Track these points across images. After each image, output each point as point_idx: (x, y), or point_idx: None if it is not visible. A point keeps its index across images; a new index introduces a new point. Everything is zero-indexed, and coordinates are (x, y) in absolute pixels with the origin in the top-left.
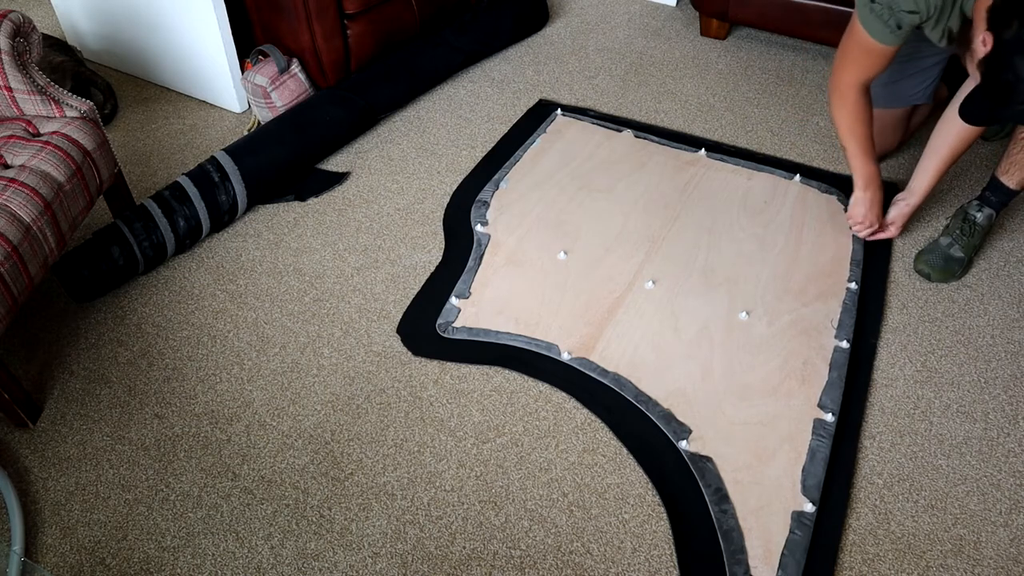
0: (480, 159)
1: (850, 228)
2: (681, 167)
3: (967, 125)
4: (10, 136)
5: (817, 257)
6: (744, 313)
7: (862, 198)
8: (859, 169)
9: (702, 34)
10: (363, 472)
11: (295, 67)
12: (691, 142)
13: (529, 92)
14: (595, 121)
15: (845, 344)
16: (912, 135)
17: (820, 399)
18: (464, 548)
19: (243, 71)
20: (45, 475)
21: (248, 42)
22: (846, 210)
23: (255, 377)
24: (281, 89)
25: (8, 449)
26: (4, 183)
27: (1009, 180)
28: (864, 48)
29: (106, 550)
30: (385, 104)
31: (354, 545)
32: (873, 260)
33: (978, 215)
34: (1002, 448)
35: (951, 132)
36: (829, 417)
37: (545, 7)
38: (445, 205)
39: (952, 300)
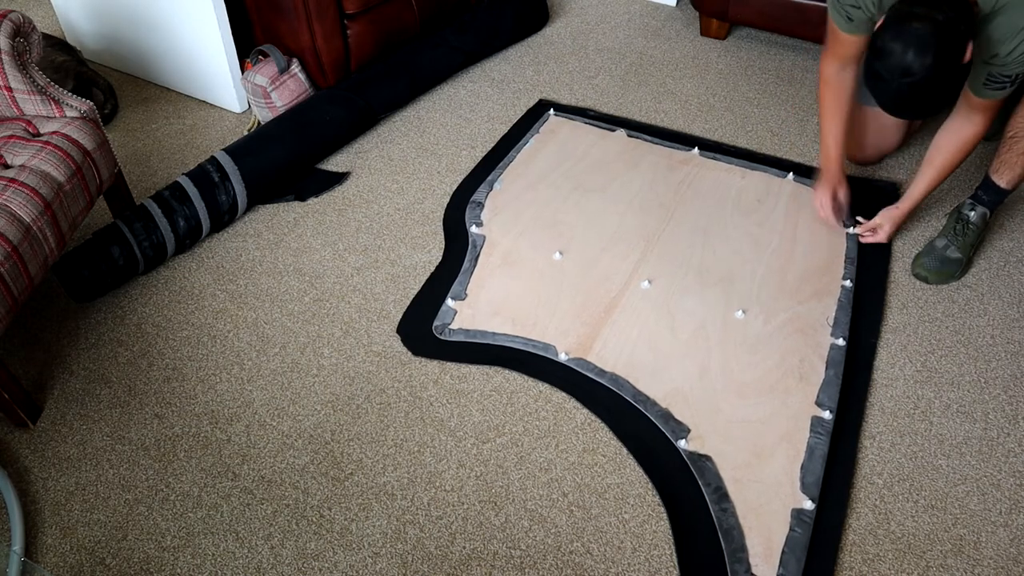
0: (480, 159)
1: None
2: (674, 166)
3: (961, 136)
4: (10, 136)
5: (811, 255)
6: (740, 312)
7: (822, 175)
8: (824, 148)
9: (702, 34)
10: (363, 472)
11: (295, 67)
12: (684, 141)
13: (529, 92)
14: (588, 121)
15: (841, 342)
16: (911, 136)
17: (818, 397)
18: (464, 548)
19: (243, 71)
20: (45, 475)
21: (248, 42)
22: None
23: (255, 377)
24: (281, 89)
25: (8, 449)
26: (4, 183)
27: (1000, 179)
28: (831, 32)
29: (106, 550)
30: (385, 104)
31: (354, 545)
32: (868, 258)
33: (971, 214)
34: (1002, 448)
35: (946, 141)
36: (827, 415)
37: (545, 7)
38: (445, 205)
39: (952, 300)
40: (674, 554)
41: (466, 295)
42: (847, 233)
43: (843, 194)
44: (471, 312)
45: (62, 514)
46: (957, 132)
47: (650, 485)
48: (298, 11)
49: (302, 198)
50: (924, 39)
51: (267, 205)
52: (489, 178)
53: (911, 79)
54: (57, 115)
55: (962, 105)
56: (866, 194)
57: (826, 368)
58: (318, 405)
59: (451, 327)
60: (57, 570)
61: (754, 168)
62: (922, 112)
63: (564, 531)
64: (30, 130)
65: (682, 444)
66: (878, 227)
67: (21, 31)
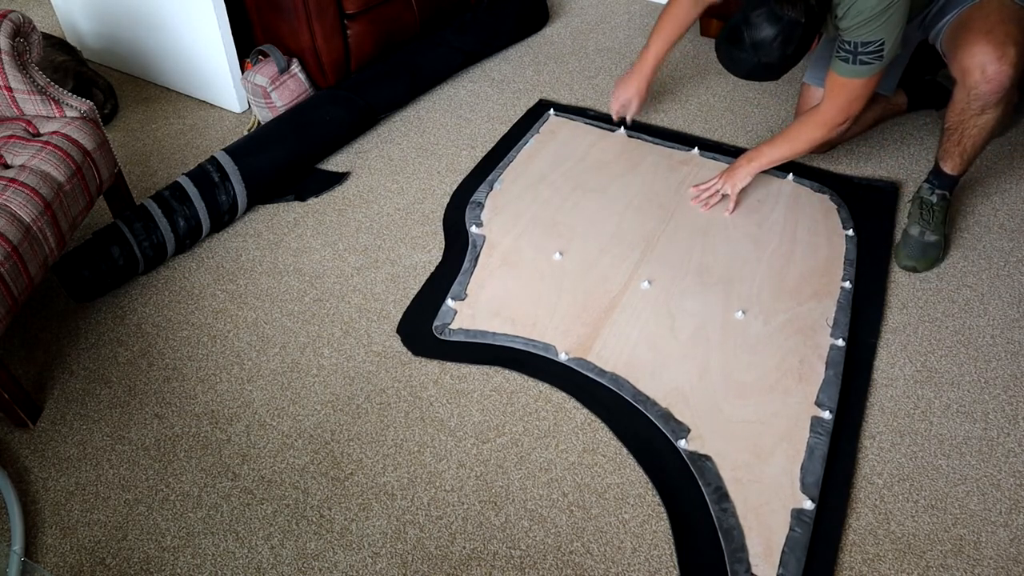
0: (480, 159)
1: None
2: (674, 167)
3: (811, 114)
4: (10, 136)
5: (811, 256)
6: (740, 312)
7: (634, 68)
8: (646, 51)
9: (702, 34)
10: (363, 472)
11: (295, 67)
12: (684, 141)
13: (529, 92)
14: (588, 121)
15: (841, 343)
16: (862, 130)
17: (817, 397)
18: (464, 548)
19: (243, 71)
20: (45, 475)
21: (248, 42)
22: (839, 210)
23: (255, 377)
24: (281, 89)
25: (8, 449)
26: (4, 183)
27: (945, 166)
28: None
29: (106, 550)
30: (385, 104)
31: (354, 545)
32: (867, 259)
33: (932, 197)
34: (1002, 448)
35: (803, 116)
36: (827, 415)
37: (545, 7)
38: (445, 205)
39: (952, 300)
40: (674, 554)
41: (466, 295)
42: (847, 235)
43: (639, 97)
44: (471, 312)
45: (62, 514)
46: (812, 111)
47: (650, 485)
48: (298, 11)
49: (302, 198)
50: (791, 29)
51: (267, 205)
52: (489, 178)
53: (765, 58)
54: (57, 115)
55: (826, 89)
56: (866, 195)
57: (826, 368)
58: (318, 405)
59: (451, 327)
60: (57, 570)
61: None
62: (760, 77)
63: (564, 531)
64: (30, 130)
65: (682, 444)
66: (718, 189)
67: (21, 31)
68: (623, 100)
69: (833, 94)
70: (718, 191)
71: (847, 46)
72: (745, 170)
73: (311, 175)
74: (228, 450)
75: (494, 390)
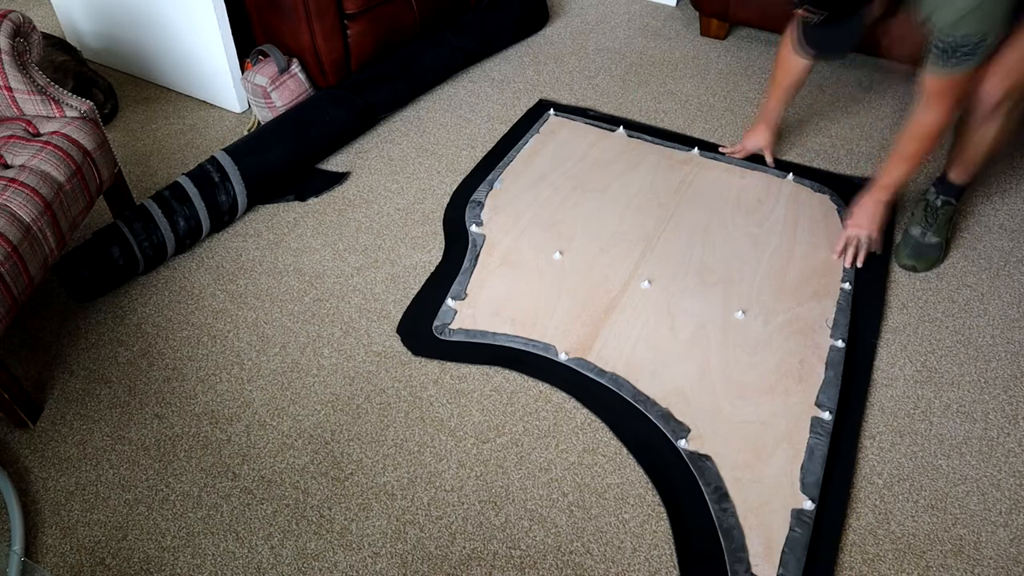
0: (480, 159)
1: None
2: (674, 166)
3: (916, 122)
4: (10, 136)
5: (811, 256)
6: (740, 312)
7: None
8: (766, 102)
9: (702, 34)
10: (363, 472)
11: (295, 67)
12: (684, 141)
13: (529, 92)
14: (588, 121)
15: (840, 343)
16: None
17: (817, 397)
18: (464, 548)
19: (243, 71)
20: (45, 475)
21: (248, 42)
22: (839, 210)
23: (255, 377)
24: (281, 89)
25: (8, 449)
26: (4, 183)
27: (950, 175)
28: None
29: (106, 550)
30: (385, 104)
31: (354, 545)
32: (867, 259)
33: (937, 201)
34: (1002, 448)
35: (906, 128)
36: (826, 415)
37: (545, 7)
38: (445, 205)
39: (952, 300)
40: (674, 554)
41: (466, 295)
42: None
43: (764, 142)
44: (471, 312)
45: (62, 514)
46: (914, 119)
47: (650, 485)
48: (298, 11)
49: (302, 198)
50: None
51: (267, 205)
52: (489, 178)
53: None
54: (57, 115)
55: (921, 92)
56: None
57: (825, 369)
58: (318, 405)
59: (451, 327)
60: (57, 570)
61: (754, 168)
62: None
63: (564, 531)
64: (30, 130)
65: (682, 444)
66: (858, 240)
67: (21, 31)
68: (752, 149)
69: (932, 98)
70: (863, 240)
71: (940, 45)
72: (877, 208)
73: (311, 175)
74: (228, 450)
75: (494, 390)
